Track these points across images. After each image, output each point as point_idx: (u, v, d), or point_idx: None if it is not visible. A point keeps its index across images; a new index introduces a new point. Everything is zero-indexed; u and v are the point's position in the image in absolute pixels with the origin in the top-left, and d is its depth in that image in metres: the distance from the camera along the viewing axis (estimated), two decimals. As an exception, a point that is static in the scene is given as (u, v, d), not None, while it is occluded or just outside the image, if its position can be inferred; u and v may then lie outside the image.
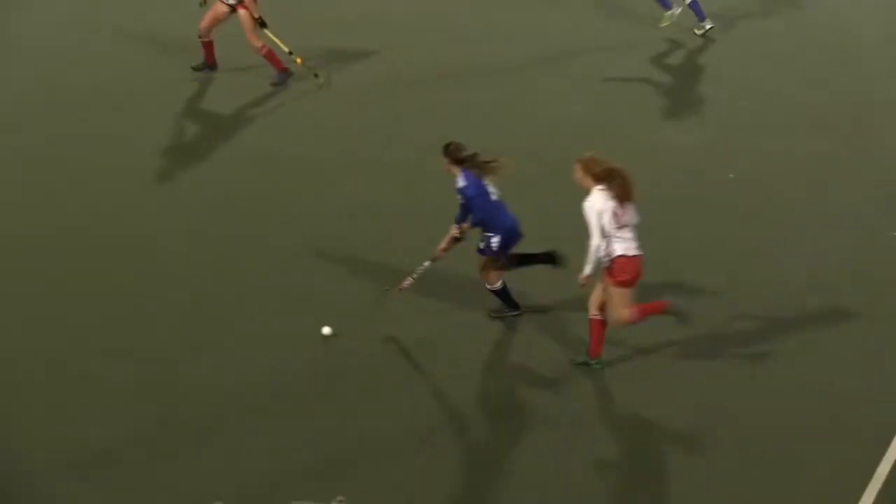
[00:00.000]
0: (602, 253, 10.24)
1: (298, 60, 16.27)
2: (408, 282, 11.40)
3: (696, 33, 17.73)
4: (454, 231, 11.13)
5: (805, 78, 16.50)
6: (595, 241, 10.18)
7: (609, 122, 15.28)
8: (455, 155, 10.91)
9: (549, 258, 11.41)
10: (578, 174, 10.31)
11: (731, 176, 13.97)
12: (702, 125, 15.33)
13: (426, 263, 11.30)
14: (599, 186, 10.18)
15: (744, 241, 12.77)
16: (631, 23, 18.08)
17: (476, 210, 10.94)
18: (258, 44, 16.02)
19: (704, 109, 15.82)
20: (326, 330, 11.29)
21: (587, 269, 10.31)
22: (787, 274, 12.14)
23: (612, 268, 10.29)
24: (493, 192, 11.02)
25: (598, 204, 10.16)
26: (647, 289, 10.81)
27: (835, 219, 13.20)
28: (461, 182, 10.91)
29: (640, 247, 10.32)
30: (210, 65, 16.52)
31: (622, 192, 10.13)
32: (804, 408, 10.35)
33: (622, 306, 10.37)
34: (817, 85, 16.31)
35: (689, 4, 17.69)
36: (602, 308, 10.51)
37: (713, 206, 13.42)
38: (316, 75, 16.28)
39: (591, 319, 10.62)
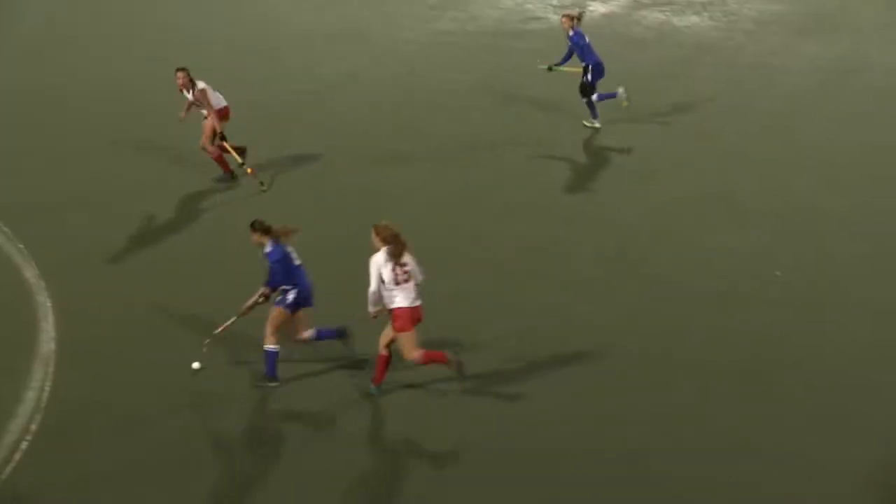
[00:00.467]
0: (384, 301, 12.36)
1: (249, 171, 17.69)
2: (219, 330, 13.16)
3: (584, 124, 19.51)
4: (260, 292, 12.84)
5: (841, 186, 17.61)
6: (372, 287, 12.30)
7: (671, 226, 16.50)
8: (264, 227, 12.79)
9: (341, 333, 13.31)
10: (373, 237, 12.40)
11: (778, 273, 15.13)
12: (751, 230, 16.35)
13: (233, 318, 13.01)
14: (384, 248, 12.26)
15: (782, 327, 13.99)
16: (688, 136, 19.50)
17: (277, 273, 12.72)
18: (211, 149, 17.61)
19: (752, 216, 16.79)
20: (196, 364, 13.06)
21: (370, 308, 12.47)
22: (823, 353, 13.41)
23: (393, 316, 12.38)
24: (295, 258, 12.89)
25: (378, 260, 12.28)
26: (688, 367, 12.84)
27: (868, 315, 14.22)
28: (269, 248, 12.76)
29: (417, 298, 12.37)
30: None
31: (396, 252, 12.22)
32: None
33: (408, 348, 12.48)
34: (851, 193, 17.39)
35: (586, 102, 19.28)
36: (388, 346, 12.60)
37: (762, 300, 14.60)
38: (262, 184, 17.59)
39: (379, 355, 12.64)
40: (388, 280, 12.26)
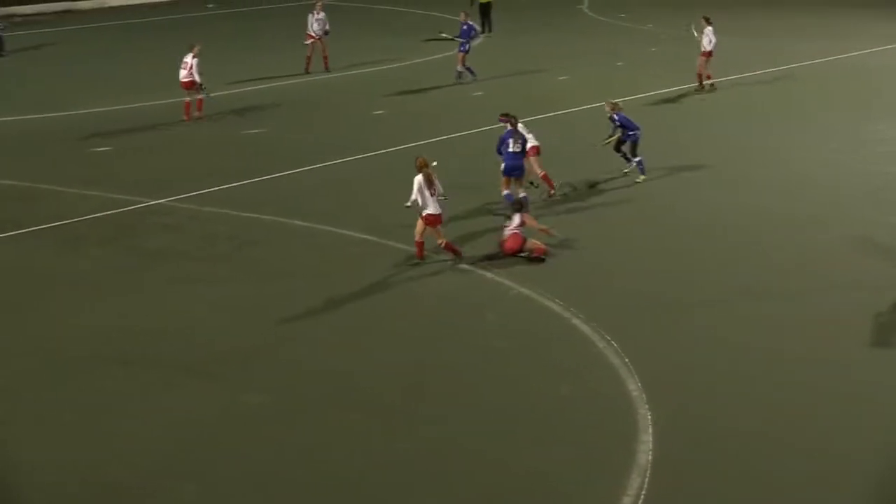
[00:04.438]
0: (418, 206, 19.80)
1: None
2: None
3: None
4: None
5: None
6: (413, 196, 19.76)
7: None
8: (505, 117, 22.45)
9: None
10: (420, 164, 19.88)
11: None
12: None
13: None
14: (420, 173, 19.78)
15: None
16: None
17: (498, 145, 22.28)
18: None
19: None
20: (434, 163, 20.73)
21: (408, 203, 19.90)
22: None
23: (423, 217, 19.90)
24: (511, 143, 21.87)
25: (418, 179, 19.74)
26: None
27: None
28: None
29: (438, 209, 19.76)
30: None
31: (428, 180, 19.74)
32: None
33: (419, 233, 20.00)
34: None
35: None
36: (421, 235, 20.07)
37: None
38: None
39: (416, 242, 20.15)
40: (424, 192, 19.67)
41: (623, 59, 37.79)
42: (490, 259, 20.22)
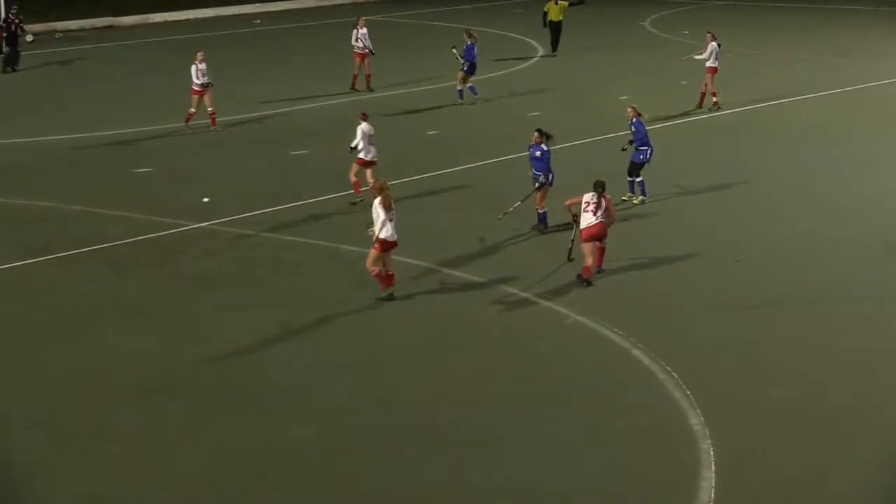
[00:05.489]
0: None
1: None
2: (512, 208, 22.10)
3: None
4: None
5: None
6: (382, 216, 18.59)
7: None
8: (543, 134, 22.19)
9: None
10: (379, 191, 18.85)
11: None
12: None
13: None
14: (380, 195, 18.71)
15: None
16: None
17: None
18: None
19: None
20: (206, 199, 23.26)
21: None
22: None
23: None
24: (541, 152, 21.96)
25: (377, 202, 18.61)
26: None
27: None
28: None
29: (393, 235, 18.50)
30: None
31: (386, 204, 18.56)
32: None
33: (371, 262, 18.70)
34: None
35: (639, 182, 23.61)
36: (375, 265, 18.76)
37: None
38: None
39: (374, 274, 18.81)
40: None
41: (687, 77, 36.51)
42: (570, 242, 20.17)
